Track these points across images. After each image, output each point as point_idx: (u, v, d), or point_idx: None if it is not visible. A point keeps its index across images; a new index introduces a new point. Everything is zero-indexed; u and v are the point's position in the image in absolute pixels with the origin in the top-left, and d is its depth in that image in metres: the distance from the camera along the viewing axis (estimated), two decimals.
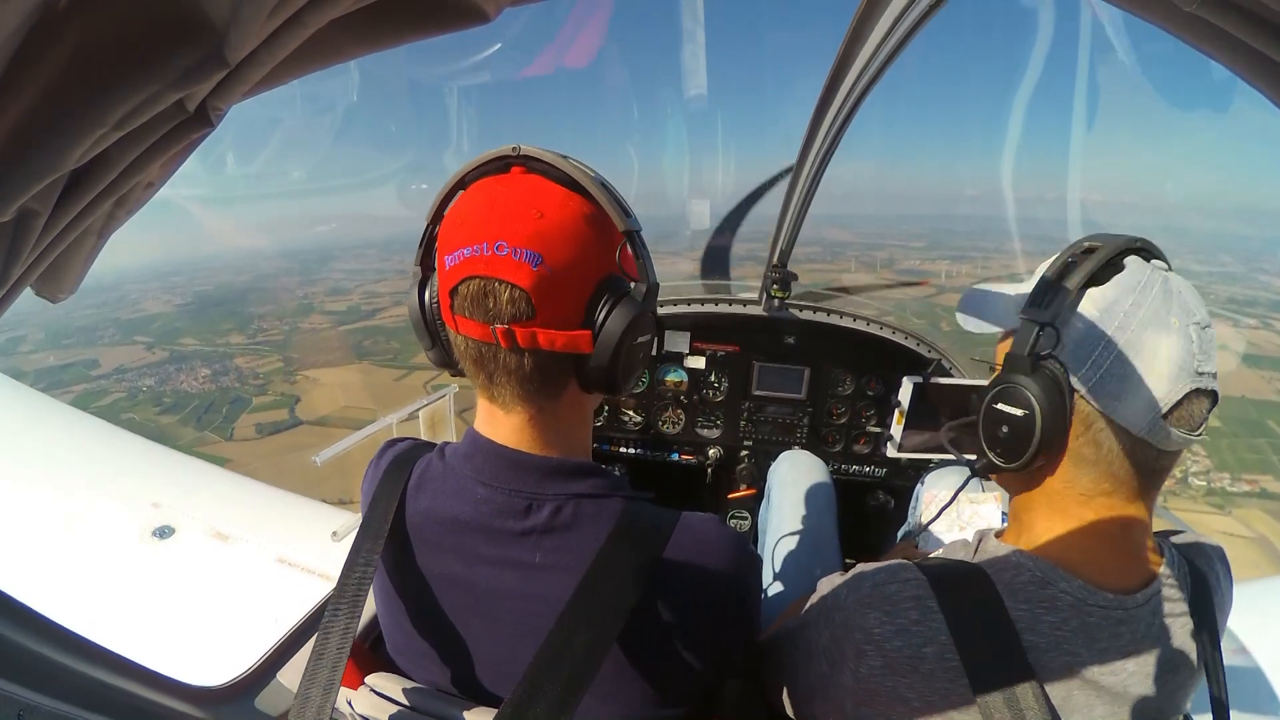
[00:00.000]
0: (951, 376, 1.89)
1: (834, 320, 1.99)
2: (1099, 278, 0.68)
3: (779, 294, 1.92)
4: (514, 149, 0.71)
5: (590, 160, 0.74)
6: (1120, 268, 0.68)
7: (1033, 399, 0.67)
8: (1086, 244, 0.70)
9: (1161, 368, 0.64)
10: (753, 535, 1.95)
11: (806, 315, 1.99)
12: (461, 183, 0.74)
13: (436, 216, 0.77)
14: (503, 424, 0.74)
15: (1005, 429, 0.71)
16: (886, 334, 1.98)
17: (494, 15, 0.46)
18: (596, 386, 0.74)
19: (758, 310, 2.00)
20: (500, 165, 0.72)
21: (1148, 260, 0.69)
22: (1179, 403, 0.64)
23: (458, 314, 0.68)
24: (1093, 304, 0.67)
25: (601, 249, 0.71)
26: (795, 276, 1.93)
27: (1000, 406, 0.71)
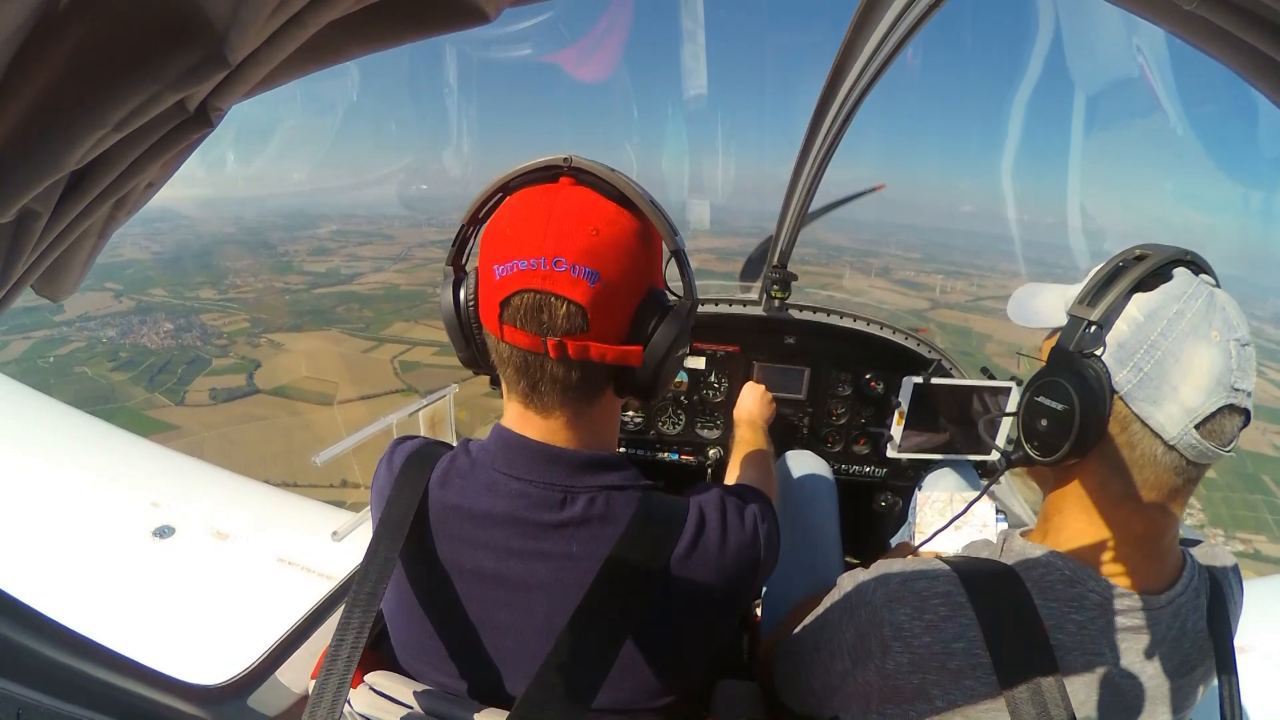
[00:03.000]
0: (951, 377, 1.89)
1: (834, 320, 1.99)
2: (1147, 284, 0.69)
3: (779, 295, 1.93)
4: (565, 159, 0.72)
5: (588, 156, 0.76)
6: (1168, 277, 0.69)
7: (1074, 394, 0.68)
8: (1138, 251, 0.72)
9: (1198, 378, 0.64)
10: None
11: (806, 316, 1.99)
12: (505, 188, 0.75)
13: (474, 218, 0.78)
14: (537, 425, 0.75)
15: (1044, 422, 0.72)
16: (886, 334, 1.98)
17: (494, 15, 0.46)
18: (634, 393, 0.76)
19: (758, 311, 2.00)
20: (548, 175, 0.73)
21: (1196, 274, 0.70)
22: (1212, 415, 0.64)
23: (507, 324, 0.69)
24: (1138, 308, 0.68)
25: (648, 265, 0.73)
26: (795, 277, 1.93)
27: (1042, 399, 0.72)
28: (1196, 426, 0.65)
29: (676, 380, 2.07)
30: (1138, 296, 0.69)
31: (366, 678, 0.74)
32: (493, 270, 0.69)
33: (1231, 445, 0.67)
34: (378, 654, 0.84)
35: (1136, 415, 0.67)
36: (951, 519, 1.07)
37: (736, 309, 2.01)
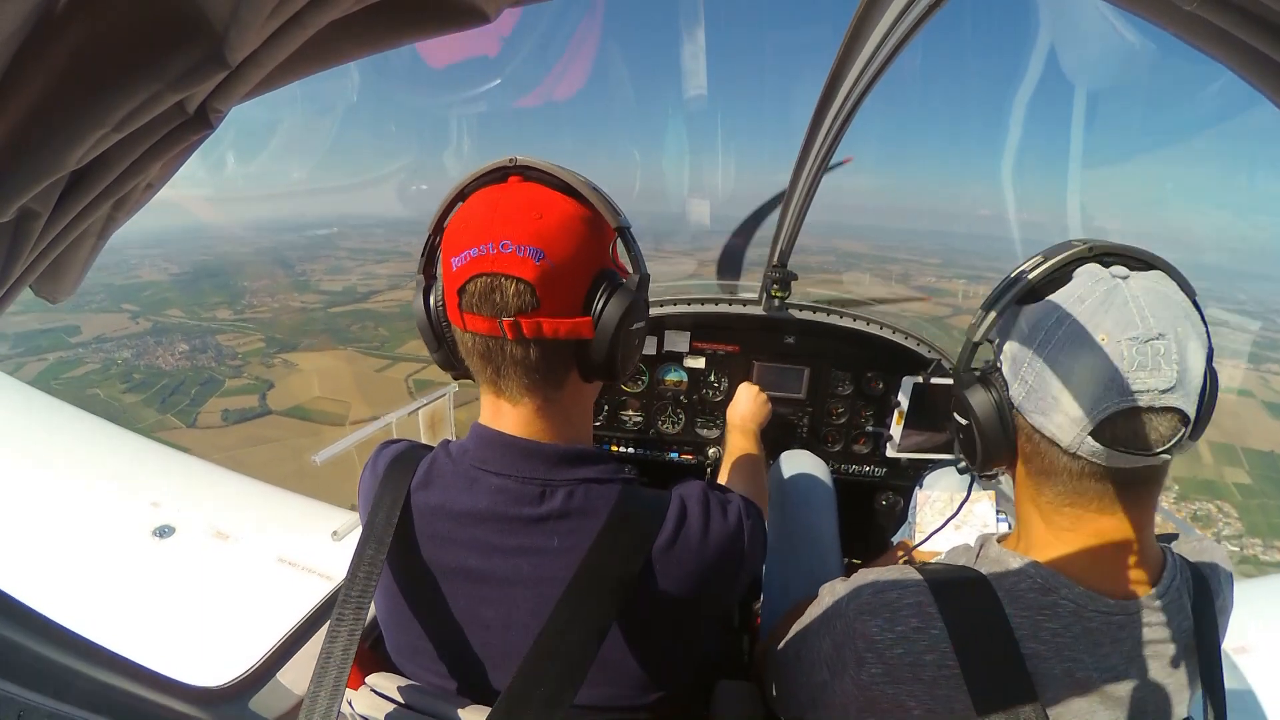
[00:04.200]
0: (950, 377, 1.89)
1: (834, 320, 1.99)
2: (1038, 292, 0.68)
3: (779, 294, 1.93)
4: (510, 160, 0.76)
5: (591, 158, 0.79)
6: (1066, 280, 0.67)
7: (971, 410, 0.72)
8: (1039, 255, 0.71)
9: (1080, 385, 0.63)
10: None
11: (806, 315, 1.99)
12: (461, 194, 0.78)
13: (438, 227, 0.81)
14: (510, 416, 0.76)
15: (961, 435, 0.77)
16: (886, 334, 1.98)
17: (494, 16, 0.46)
18: (596, 373, 0.77)
19: (758, 310, 2.00)
20: (498, 176, 0.77)
21: (1107, 266, 0.67)
22: (1108, 420, 0.62)
23: (466, 311, 0.71)
24: (1025, 320, 0.69)
25: (596, 245, 0.75)
26: (795, 276, 1.93)
27: (955, 414, 0.77)
28: (1093, 434, 0.63)
29: (676, 380, 2.08)
30: (1026, 308, 0.69)
31: (367, 679, 0.75)
32: (450, 264, 0.72)
33: (1165, 447, 0.63)
34: (378, 654, 0.84)
35: (1034, 427, 0.68)
36: (944, 521, 1.07)
37: (736, 309, 2.01)
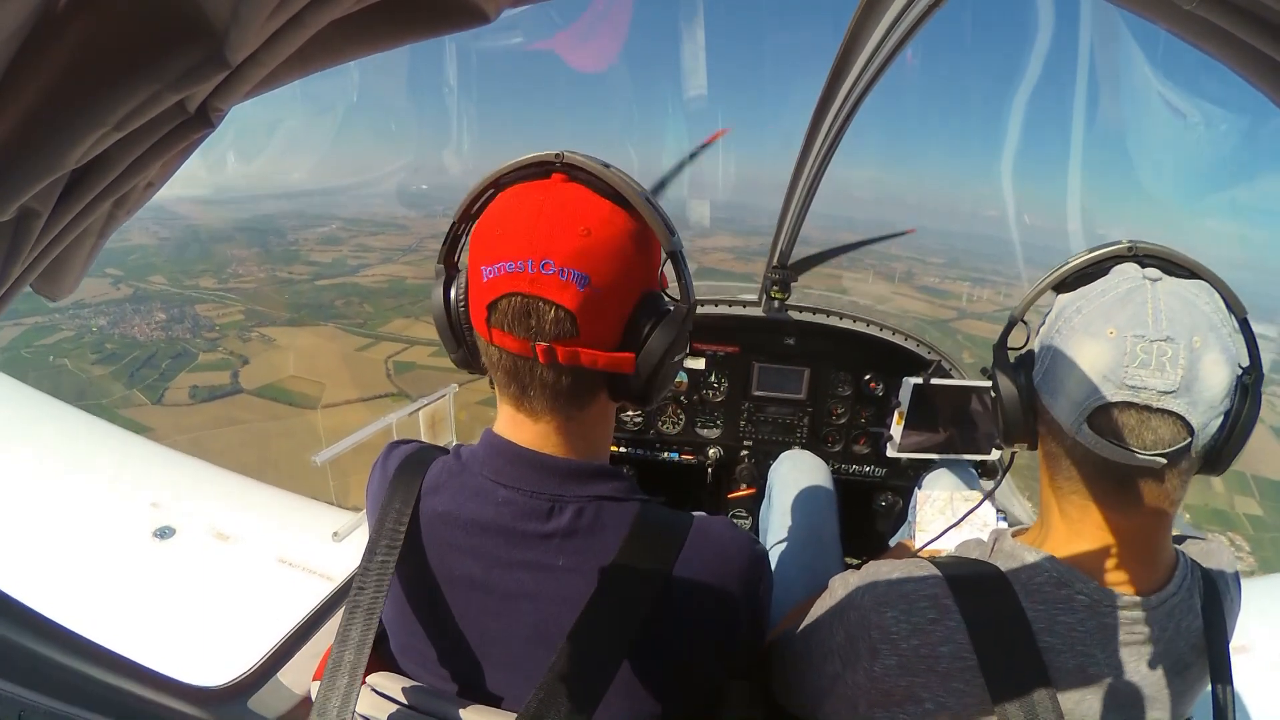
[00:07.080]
0: (951, 378, 1.89)
1: (833, 321, 1.99)
2: (1071, 283, 0.72)
3: (778, 295, 1.93)
4: (557, 155, 0.68)
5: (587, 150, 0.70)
6: (1103, 274, 0.70)
7: (999, 384, 0.76)
8: (1087, 251, 0.74)
9: (1083, 372, 0.65)
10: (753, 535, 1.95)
11: (805, 316, 1.99)
12: (497, 183, 0.71)
13: (465, 215, 0.74)
14: (528, 429, 0.73)
15: (996, 410, 0.80)
16: (886, 335, 1.98)
17: (494, 16, 0.46)
18: (628, 399, 0.74)
19: (757, 311, 2.00)
20: (541, 171, 0.69)
21: (1144, 267, 0.68)
22: (1101, 409, 0.64)
23: (495, 327, 0.67)
24: (1055, 306, 0.73)
25: (644, 267, 0.70)
26: (795, 278, 1.93)
27: (990, 392, 0.81)
28: (1088, 421, 0.66)
29: (676, 380, 2.08)
30: (1060, 296, 0.73)
31: (368, 679, 0.74)
32: (480, 272, 0.66)
33: (1159, 450, 0.63)
34: (378, 654, 0.84)
35: (1044, 407, 0.72)
36: (958, 519, 1.07)
37: (736, 309, 2.01)
